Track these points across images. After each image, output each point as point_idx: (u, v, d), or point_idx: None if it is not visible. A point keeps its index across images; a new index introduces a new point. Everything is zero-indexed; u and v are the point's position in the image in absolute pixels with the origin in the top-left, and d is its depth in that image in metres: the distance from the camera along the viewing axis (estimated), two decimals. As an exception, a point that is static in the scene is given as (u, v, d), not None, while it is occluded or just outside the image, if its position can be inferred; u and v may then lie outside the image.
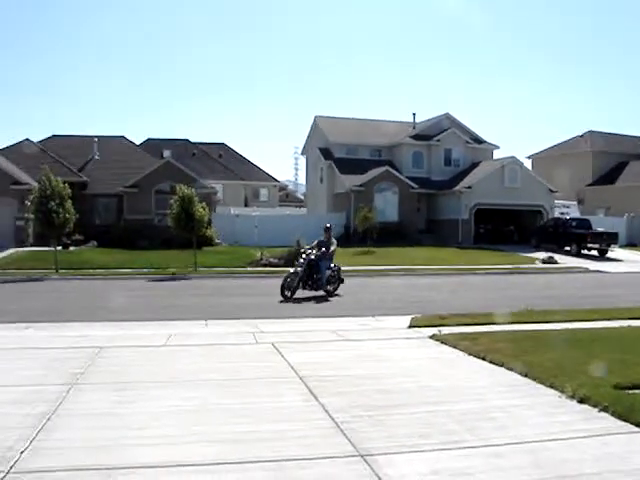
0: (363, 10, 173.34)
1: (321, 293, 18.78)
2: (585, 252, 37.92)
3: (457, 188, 44.84)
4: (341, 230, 43.12)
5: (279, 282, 18.39)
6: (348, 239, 41.42)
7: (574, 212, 49.44)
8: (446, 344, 10.39)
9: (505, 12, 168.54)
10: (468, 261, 32.26)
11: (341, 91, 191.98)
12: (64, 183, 27.88)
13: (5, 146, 43.81)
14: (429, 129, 49.90)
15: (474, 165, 48.23)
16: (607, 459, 5.24)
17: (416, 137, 49.45)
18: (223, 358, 9.56)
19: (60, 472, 4.89)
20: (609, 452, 5.41)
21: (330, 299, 18.47)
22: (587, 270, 30.77)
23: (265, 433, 5.87)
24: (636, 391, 6.99)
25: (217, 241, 38.20)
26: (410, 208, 45.44)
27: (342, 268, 19.86)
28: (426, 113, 60.01)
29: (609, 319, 12.91)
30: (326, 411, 6.57)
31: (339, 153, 49.46)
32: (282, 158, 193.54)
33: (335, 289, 19.32)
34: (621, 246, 41.27)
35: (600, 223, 42.68)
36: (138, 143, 56.48)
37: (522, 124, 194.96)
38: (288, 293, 17.96)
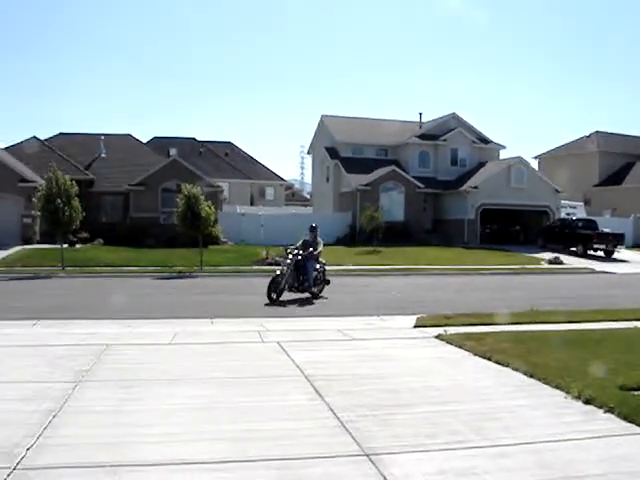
0: (370, 9, 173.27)
1: (306, 295, 18.09)
2: (591, 253, 37.80)
3: (463, 188, 44.75)
4: (347, 229, 43.23)
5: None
6: (353, 238, 41.50)
7: (580, 213, 49.37)
8: (451, 344, 10.40)
9: (511, 12, 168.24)
10: (474, 261, 32.21)
11: (348, 90, 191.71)
12: (71, 181, 27.91)
13: (12, 144, 43.94)
14: (435, 129, 49.83)
15: (480, 165, 48.14)
16: (613, 460, 5.25)
17: (422, 137, 49.38)
18: (229, 356, 9.58)
19: (66, 469, 4.92)
20: (615, 453, 5.41)
21: (315, 302, 17.72)
22: (593, 271, 30.67)
23: (271, 431, 5.89)
24: (642, 392, 6.99)
25: (223, 240, 38.17)
26: (416, 208, 45.37)
27: (348, 267, 19.75)
28: (433, 113, 60.07)
29: (615, 320, 12.89)
30: (331, 410, 6.58)
31: (345, 152, 49.42)
32: (288, 157, 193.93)
33: (320, 291, 18.59)
34: (627, 247, 41.10)
35: (606, 224, 42.52)
36: (145, 141, 56.61)
37: (529, 124, 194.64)
38: (274, 295, 17.14)
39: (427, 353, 9.98)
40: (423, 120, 52.43)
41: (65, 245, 29.10)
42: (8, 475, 4.74)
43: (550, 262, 33.51)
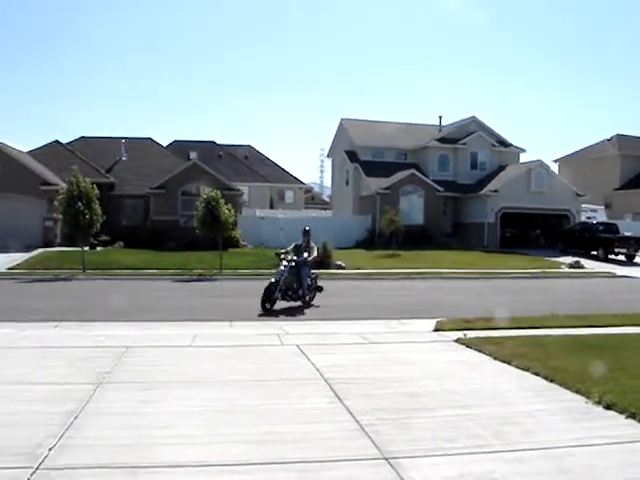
0: (389, 14, 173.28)
1: (298, 304, 16.95)
2: (612, 257, 37.52)
3: (483, 192, 44.59)
4: (366, 233, 43.23)
5: (302, 284, 17.78)
6: (373, 242, 41.50)
7: (601, 216, 48.98)
8: (471, 348, 10.36)
9: (532, 16, 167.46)
10: (494, 265, 32.05)
11: (367, 94, 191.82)
12: (92, 184, 28.15)
13: (35, 148, 44.39)
14: (455, 132, 49.74)
15: (500, 168, 47.93)
16: (634, 466, 5.20)
17: (442, 140, 49.29)
18: (248, 359, 9.60)
19: (87, 469, 4.96)
20: (636, 460, 5.36)
21: (306, 310, 16.55)
22: (614, 275, 30.41)
23: (290, 434, 5.89)
24: (664, 398, 6.92)
25: (242, 243, 38.29)
26: (436, 211, 45.30)
27: (367, 271, 19.41)
28: (452, 116, 59.79)
29: (636, 325, 12.76)
30: (351, 413, 6.58)
31: (365, 156, 49.43)
32: (308, 160, 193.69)
33: (312, 298, 17.43)
34: (649, 251, 40.72)
35: (628, 228, 42.09)
36: (165, 145, 56.92)
37: (549, 127, 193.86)
38: (268, 305, 16.05)
39: (446, 357, 9.95)
40: (443, 123, 52.44)
41: (86, 248, 29.30)
42: (31, 475, 4.79)
43: (570, 266, 33.27)
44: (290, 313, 15.96)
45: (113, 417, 6.39)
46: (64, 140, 46.56)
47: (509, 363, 9.03)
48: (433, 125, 52.50)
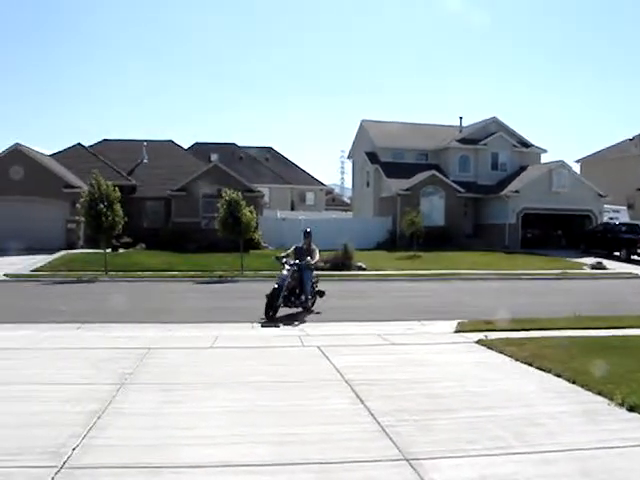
0: (411, 14, 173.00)
1: (299, 310, 16.04)
2: (635, 258, 37.13)
3: (504, 192, 44.31)
4: (387, 234, 43.17)
5: (324, 286, 17.44)
6: (394, 243, 41.46)
7: (624, 217, 48.50)
8: (492, 349, 10.32)
9: (550, 17, 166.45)
10: (515, 266, 31.85)
11: (388, 95, 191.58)
12: (113, 186, 28.34)
13: (58, 150, 44.84)
14: (476, 133, 49.48)
15: (521, 169, 47.65)
16: (658, 468, 5.16)
17: (463, 141, 49.09)
18: (270, 360, 9.63)
19: (110, 469, 5.01)
20: (660, 462, 5.32)
21: (307, 317, 15.60)
22: (637, 276, 30.11)
23: (311, 435, 5.91)
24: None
25: (264, 244, 38.30)
26: (457, 212, 45.15)
27: (388, 272, 19.15)
28: (473, 117, 59.67)
29: (660, 326, 12.66)
30: (372, 414, 6.58)
31: (385, 157, 49.34)
32: (328, 162, 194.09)
33: (312, 304, 16.55)
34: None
35: (651, 228, 41.70)
36: (186, 147, 57.27)
37: (571, 127, 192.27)
38: (271, 312, 15.05)
39: (468, 358, 9.92)
40: (463, 124, 52.22)
41: (108, 250, 29.48)
42: (55, 474, 4.85)
43: (592, 267, 32.99)
44: (305, 316, 15.62)
45: (135, 417, 6.44)
46: (86, 143, 47.11)
47: (531, 365, 8.98)
48: (453, 126, 52.31)
